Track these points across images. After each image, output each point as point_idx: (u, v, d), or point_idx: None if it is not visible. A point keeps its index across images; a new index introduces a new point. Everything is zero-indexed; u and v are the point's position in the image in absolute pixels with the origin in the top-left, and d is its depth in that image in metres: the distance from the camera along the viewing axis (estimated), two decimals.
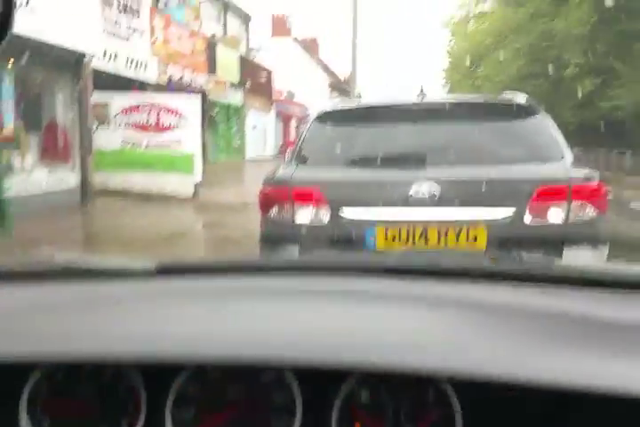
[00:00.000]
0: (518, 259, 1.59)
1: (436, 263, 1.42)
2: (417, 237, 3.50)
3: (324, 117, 4.16)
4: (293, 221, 3.67)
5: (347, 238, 3.60)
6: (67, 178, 10.30)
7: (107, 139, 11.71)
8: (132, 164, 11.86)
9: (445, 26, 45.50)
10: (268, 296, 1.21)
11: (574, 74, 26.16)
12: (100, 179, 11.38)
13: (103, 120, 11.94)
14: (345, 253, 2.80)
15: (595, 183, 3.63)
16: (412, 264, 1.42)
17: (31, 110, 10.30)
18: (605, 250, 3.64)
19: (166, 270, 1.36)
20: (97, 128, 11.12)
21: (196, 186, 12.12)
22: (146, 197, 11.41)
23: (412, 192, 3.49)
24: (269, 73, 29.38)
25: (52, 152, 10.59)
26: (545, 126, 3.87)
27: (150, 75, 15.64)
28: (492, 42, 37.56)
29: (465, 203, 3.51)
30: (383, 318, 1.08)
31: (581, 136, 23.46)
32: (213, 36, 23.85)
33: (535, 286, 1.23)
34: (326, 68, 47.37)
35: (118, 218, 9.49)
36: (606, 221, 3.76)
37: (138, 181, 11.93)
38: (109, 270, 1.34)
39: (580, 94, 25.82)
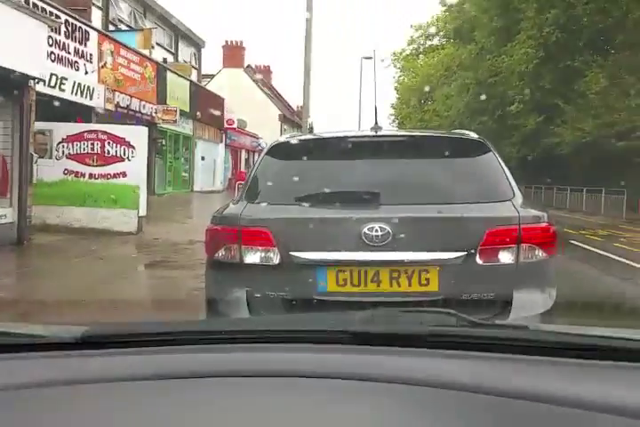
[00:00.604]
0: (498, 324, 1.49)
1: (404, 328, 1.31)
2: (369, 281, 3.42)
3: (276, 151, 4.08)
4: (242, 263, 3.53)
5: (297, 281, 3.48)
6: (3, 213, 9.73)
7: (47, 169, 11.23)
8: (74, 196, 11.40)
9: (395, 60, 46.47)
10: (208, 389, 1.04)
11: (518, 110, 26.86)
12: (38, 213, 10.83)
13: (44, 150, 11.46)
14: (301, 315, 2.56)
15: (544, 224, 3.62)
16: (378, 330, 1.28)
17: None
18: (554, 293, 3.63)
19: (93, 340, 1.21)
20: (37, 159, 10.59)
21: (141, 221, 11.66)
22: (87, 233, 10.94)
23: (364, 234, 3.41)
24: (222, 100, 29.19)
25: None
26: (497, 164, 3.87)
27: (97, 102, 15.33)
28: (441, 77, 38.55)
29: (417, 244, 3.46)
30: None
31: (523, 172, 24.02)
32: (165, 60, 23.61)
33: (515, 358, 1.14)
34: (279, 99, 47.53)
35: (55, 259, 9.00)
36: (556, 262, 3.76)
37: (79, 216, 11.46)
38: (20, 343, 1.18)
39: (523, 131, 26.57)
